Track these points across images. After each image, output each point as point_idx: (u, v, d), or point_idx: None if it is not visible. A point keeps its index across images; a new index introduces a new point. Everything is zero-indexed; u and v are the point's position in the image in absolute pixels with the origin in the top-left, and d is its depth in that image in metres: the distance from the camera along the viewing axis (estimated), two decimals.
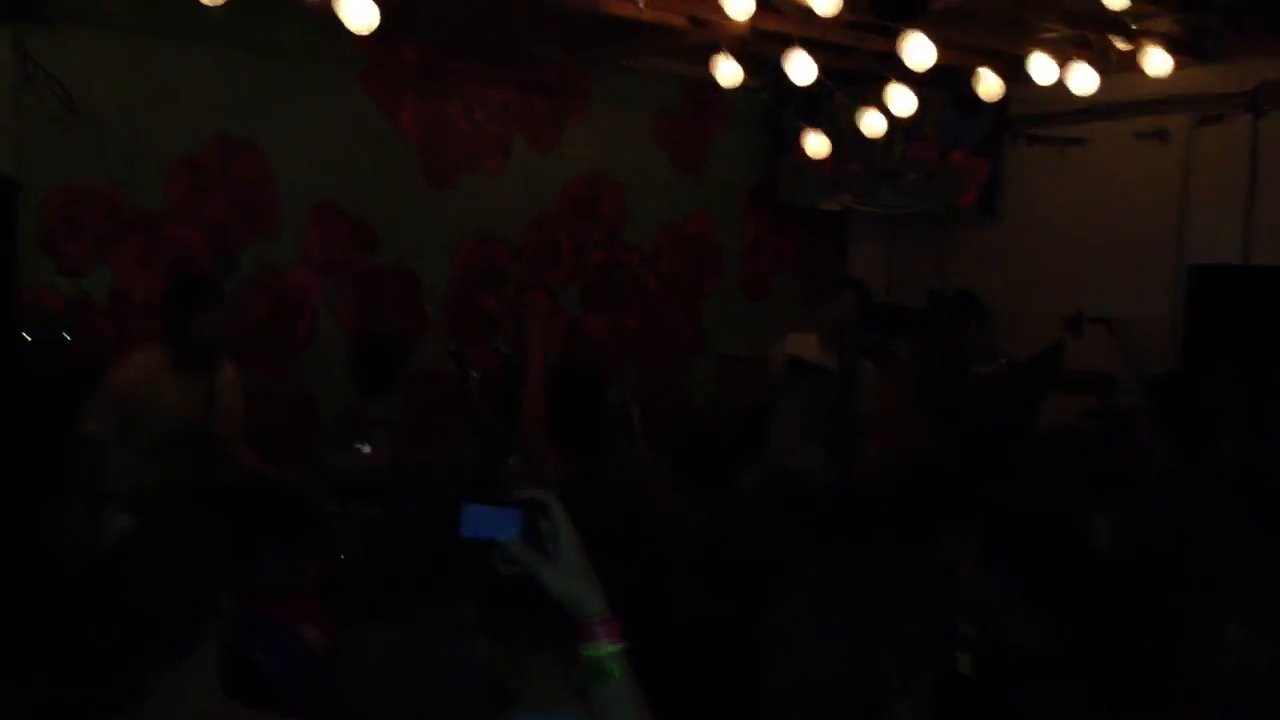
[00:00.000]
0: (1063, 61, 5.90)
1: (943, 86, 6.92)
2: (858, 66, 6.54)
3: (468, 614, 2.35)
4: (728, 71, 5.91)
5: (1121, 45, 5.99)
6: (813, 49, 5.61)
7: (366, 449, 4.69)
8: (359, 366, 5.20)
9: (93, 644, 2.10)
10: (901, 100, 6.20)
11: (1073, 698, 2.04)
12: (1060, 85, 5.94)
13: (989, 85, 6.26)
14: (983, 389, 6.37)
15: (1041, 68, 5.87)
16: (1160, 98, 6.53)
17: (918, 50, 5.37)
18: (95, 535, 3.90)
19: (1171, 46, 5.86)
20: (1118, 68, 6.07)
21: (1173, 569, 2.71)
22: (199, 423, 4.32)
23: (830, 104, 7.16)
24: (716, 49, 5.92)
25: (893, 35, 5.60)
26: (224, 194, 5.76)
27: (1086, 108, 6.46)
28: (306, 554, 3.11)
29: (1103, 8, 5.17)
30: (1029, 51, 5.94)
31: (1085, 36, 5.93)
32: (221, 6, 4.62)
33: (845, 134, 6.98)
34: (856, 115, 6.63)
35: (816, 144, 6.85)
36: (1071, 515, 2.73)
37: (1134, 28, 5.78)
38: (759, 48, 6.01)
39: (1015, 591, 2.37)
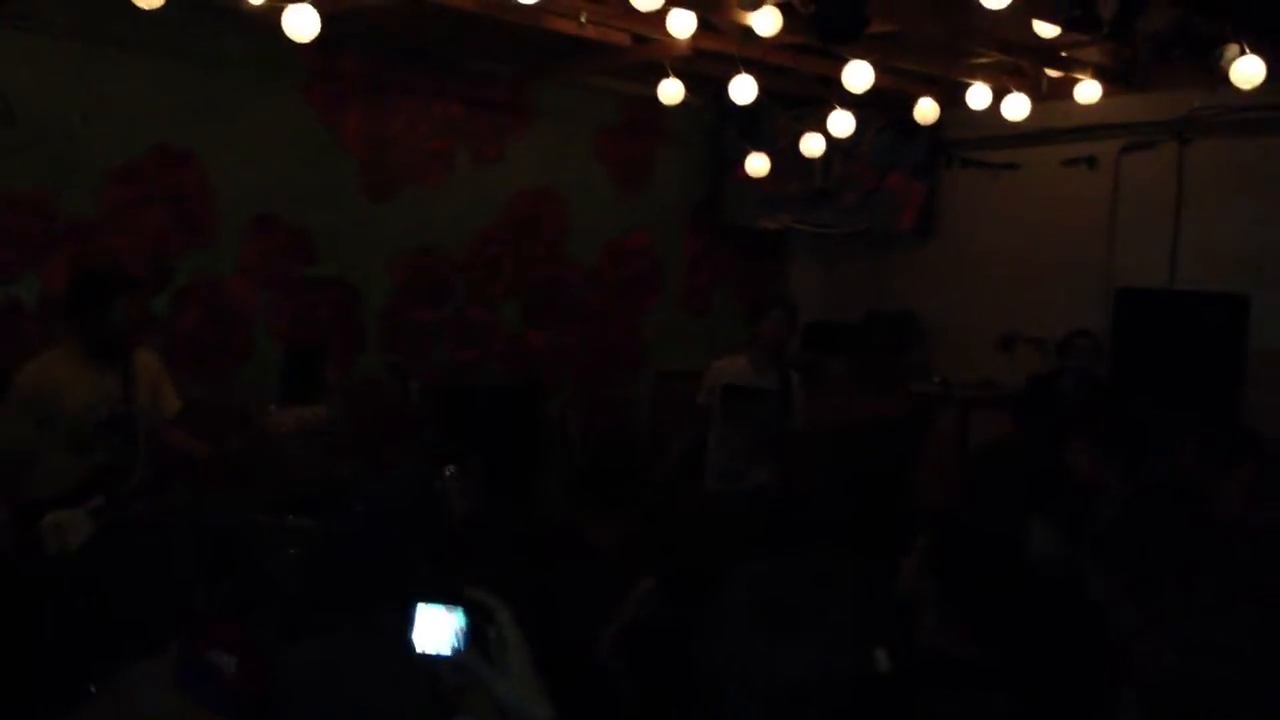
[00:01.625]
0: (997, 88, 6.04)
1: (880, 110, 7.05)
2: (798, 88, 6.65)
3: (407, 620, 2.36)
4: (670, 89, 5.98)
5: (1053, 73, 6.15)
6: (753, 69, 5.70)
7: (202, 450, 4.61)
8: (283, 375, 5.19)
9: (71, 641, 2.12)
10: (840, 122, 6.31)
11: (991, 705, 2.09)
12: (994, 111, 6.08)
13: (925, 110, 6.40)
14: (860, 437, 6.55)
15: (977, 95, 6.01)
16: (1090, 124, 6.70)
17: (856, 74, 5.48)
18: (31, 544, 3.85)
19: (1101, 75, 6.02)
20: (1049, 95, 6.23)
21: (1091, 581, 2.79)
22: (121, 411, 4.26)
23: (770, 124, 7.26)
24: (659, 67, 5.99)
25: (832, 58, 5.70)
26: (162, 203, 5.71)
27: (1019, 134, 6.61)
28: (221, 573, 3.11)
29: (1035, 37, 5.29)
30: (965, 78, 6.08)
31: (1018, 64, 6.08)
32: (162, 15, 4.59)
33: (785, 154, 7.09)
34: (796, 136, 6.74)
35: (757, 163, 6.94)
36: (998, 526, 2.80)
37: (1065, 56, 5.93)
38: (701, 66, 6.08)
39: (941, 598, 2.43)
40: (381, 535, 2.77)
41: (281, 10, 4.61)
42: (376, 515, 2.95)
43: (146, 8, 4.53)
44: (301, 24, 4.62)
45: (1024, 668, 2.38)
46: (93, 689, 2.08)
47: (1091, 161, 7.01)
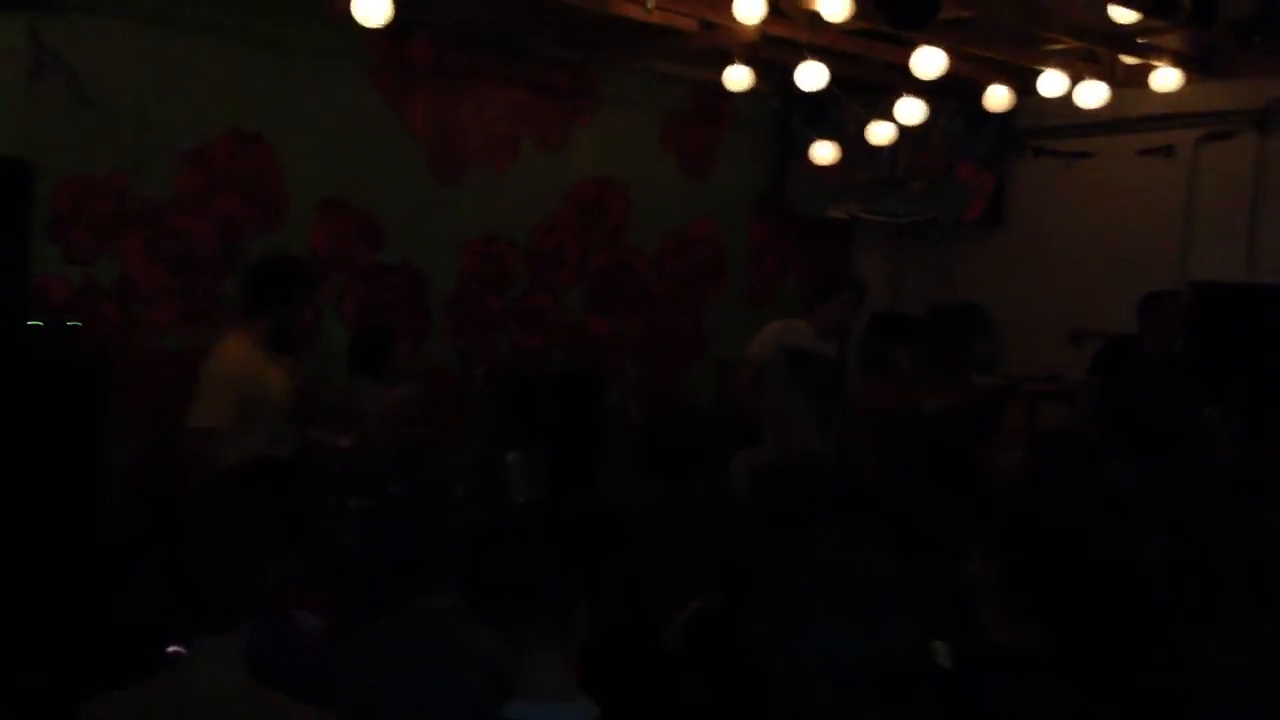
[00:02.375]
0: (1071, 75, 5.92)
1: (950, 97, 6.95)
2: (866, 75, 6.58)
3: (461, 603, 2.38)
4: (736, 76, 5.94)
5: (1129, 60, 6.02)
6: (822, 56, 5.64)
7: (344, 441, 4.68)
8: (351, 353, 5.26)
9: (142, 612, 2.17)
10: (909, 110, 6.23)
11: (1056, 696, 2.06)
12: (1068, 99, 5.96)
13: (997, 97, 6.30)
14: (929, 425, 6.43)
15: (1050, 82, 5.90)
16: (1167, 113, 6.55)
17: (927, 60, 5.40)
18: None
19: (1179, 62, 5.89)
20: (1125, 82, 6.10)
21: (1160, 575, 2.73)
22: (297, 402, 4.31)
23: (838, 112, 7.19)
24: (726, 54, 5.95)
25: (902, 44, 5.63)
26: (233, 187, 5.79)
27: (1093, 122, 6.48)
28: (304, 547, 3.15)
29: (1111, 22, 5.19)
30: (1037, 65, 5.97)
31: (1093, 51, 5.95)
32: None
33: (852, 142, 7.02)
34: (864, 123, 6.67)
35: (824, 152, 6.88)
36: (1066, 520, 2.75)
37: (1142, 42, 5.80)
38: (768, 53, 6.04)
39: (1005, 589, 2.39)
40: (428, 516, 2.78)
41: None
42: (422, 497, 2.96)
43: None
44: (371, 9, 4.66)
45: (1093, 660, 2.34)
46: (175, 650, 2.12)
47: (1168, 151, 6.86)
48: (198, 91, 5.63)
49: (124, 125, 5.44)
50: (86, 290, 5.38)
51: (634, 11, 5.44)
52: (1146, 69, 5.95)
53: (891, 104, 6.32)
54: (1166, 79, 5.88)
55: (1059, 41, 5.87)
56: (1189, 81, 5.95)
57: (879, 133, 6.65)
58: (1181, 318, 5.83)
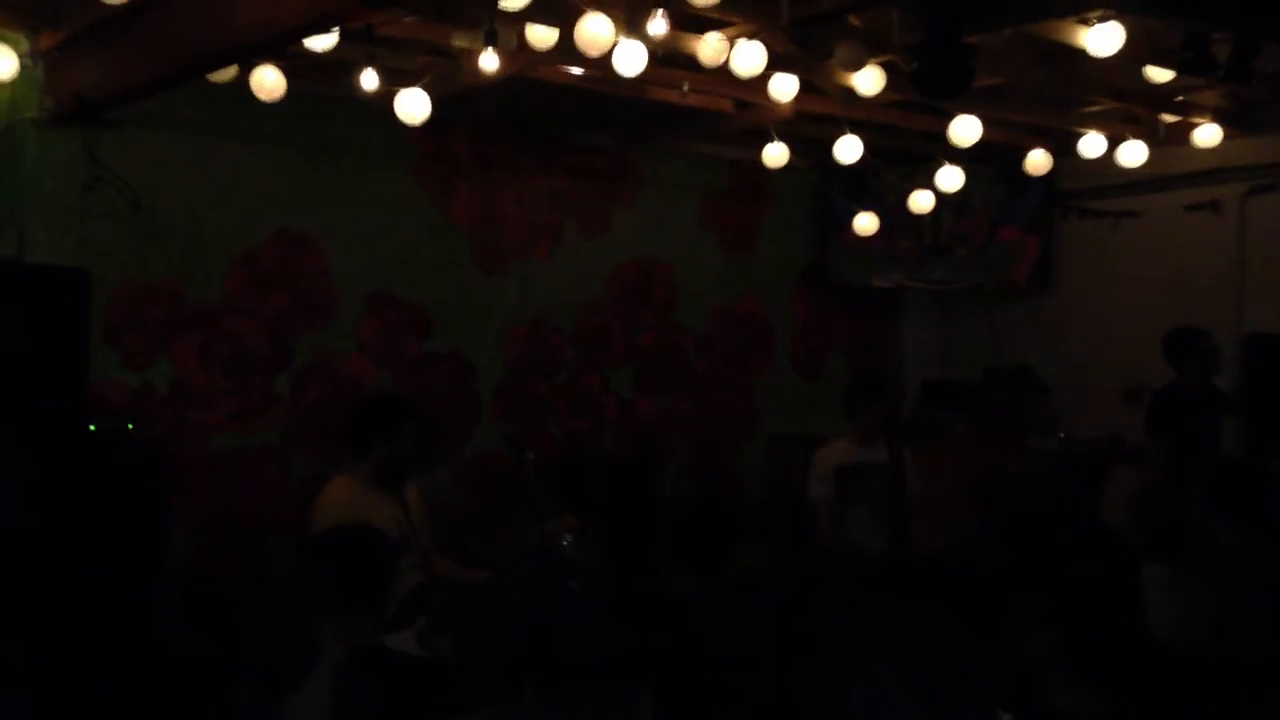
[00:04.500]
0: (1111, 136, 5.90)
1: (989, 163, 6.95)
2: (903, 145, 6.60)
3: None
4: (774, 153, 5.98)
5: (1169, 118, 5.99)
6: (858, 129, 5.67)
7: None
8: None
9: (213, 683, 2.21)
10: (949, 178, 6.24)
11: None
12: (1109, 159, 5.94)
13: (1037, 161, 6.29)
14: (1030, 477, 6.29)
15: (1090, 144, 5.89)
16: (1212, 168, 6.50)
17: (964, 128, 5.42)
18: None
19: (1219, 118, 5.85)
20: (1166, 140, 6.07)
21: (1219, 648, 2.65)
22: (410, 533, 4.34)
23: (877, 182, 7.21)
24: (763, 132, 6.00)
25: (937, 113, 5.65)
26: (282, 286, 5.89)
27: (1137, 180, 6.44)
28: None
29: (1148, 82, 5.17)
30: (1075, 127, 5.95)
31: (1132, 111, 5.94)
32: (279, 107, 4.78)
33: (893, 212, 7.03)
34: (904, 193, 6.68)
35: (865, 223, 6.89)
36: (1119, 589, 2.68)
37: (1181, 100, 5.78)
38: (804, 129, 6.08)
39: (1064, 660, 2.33)
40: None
41: (393, 96, 4.75)
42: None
43: (266, 100, 4.72)
44: (413, 107, 4.76)
45: None
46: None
47: (1215, 206, 6.79)
48: (245, 196, 5.77)
49: (176, 232, 5.58)
50: (143, 393, 5.47)
51: (671, 95, 5.51)
52: (1187, 126, 5.92)
53: (931, 172, 6.33)
54: (1208, 135, 5.84)
55: (1097, 103, 5.86)
56: (1231, 136, 5.90)
57: (920, 201, 6.65)
58: (1216, 353, 5.73)
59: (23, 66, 4.84)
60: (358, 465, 4.47)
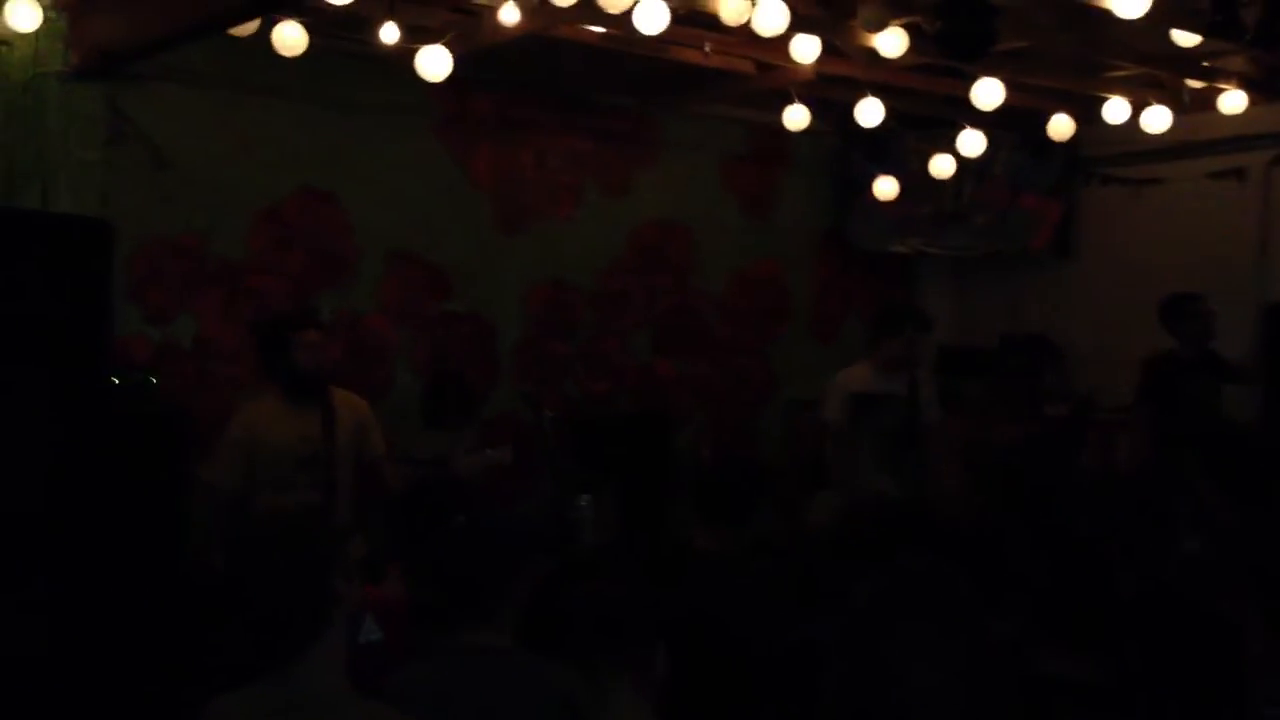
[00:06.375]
0: (1136, 101, 5.86)
1: (1012, 128, 6.91)
2: (925, 109, 6.57)
3: (544, 638, 2.39)
4: (795, 116, 5.96)
5: (1195, 84, 5.94)
6: (880, 92, 5.65)
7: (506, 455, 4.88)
8: (425, 402, 5.34)
9: (226, 638, 2.23)
10: (971, 142, 6.21)
11: None
12: (1133, 125, 5.89)
13: (1060, 126, 6.25)
14: (1018, 447, 6.31)
15: (1115, 109, 5.85)
16: (1236, 136, 6.44)
17: (986, 92, 5.39)
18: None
19: (1246, 84, 5.80)
20: (1191, 107, 6.02)
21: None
22: (321, 450, 4.46)
23: (898, 146, 7.18)
24: (784, 94, 5.98)
25: (960, 77, 5.62)
26: (304, 244, 5.92)
27: (1160, 147, 6.39)
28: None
29: (1174, 47, 5.13)
30: (1099, 92, 5.91)
31: (1157, 76, 5.89)
32: (302, 61, 4.79)
33: (914, 176, 6.99)
34: (925, 158, 6.65)
35: (885, 187, 6.87)
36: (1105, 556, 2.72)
37: (1207, 66, 5.73)
38: (826, 92, 6.06)
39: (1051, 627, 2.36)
40: (487, 551, 2.77)
41: (414, 53, 4.76)
42: (485, 531, 2.96)
43: (288, 55, 4.74)
44: (434, 65, 4.77)
45: (1155, 689, 2.30)
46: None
47: (1239, 173, 6.74)
48: (269, 152, 5.78)
49: (199, 187, 5.60)
50: (166, 349, 5.52)
51: (692, 56, 5.49)
52: (1213, 92, 5.87)
53: (952, 137, 6.30)
54: (1234, 102, 5.79)
55: (1122, 68, 5.81)
56: (1257, 103, 5.85)
57: (941, 166, 6.62)
58: (1212, 318, 5.73)
59: (46, 19, 4.84)
60: (269, 384, 4.61)
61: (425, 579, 3.09)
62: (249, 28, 4.77)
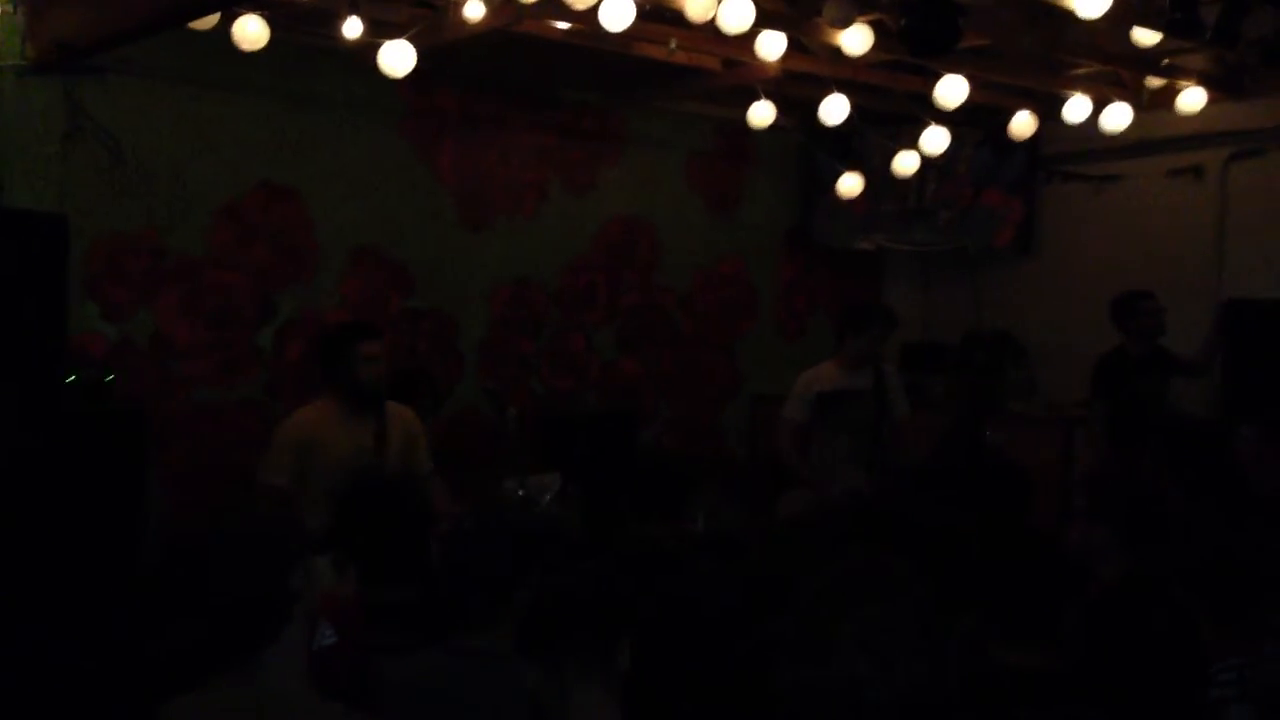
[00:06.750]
0: (1096, 100, 5.91)
1: (975, 125, 6.95)
2: (890, 106, 6.59)
3: (507, 641, 2.37)
4: (760, 113, 5.96)
5: (1155, 82, 6.00)
6: (845, 89, 5.66)
7: None
8: (393, 395, 5.29)
9: (184, 633, 2.20)
10: (934, 139, 6.23)
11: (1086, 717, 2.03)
12: (1093, 123, 5.94)
13: (1022, 124, 6.29)
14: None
15: (1075, 107, 5.89)
16: (1194, 133, 6.51)
17: (950, 89, 5.41)
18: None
19: (1204, 82, 5.86)
20: (1151, 104, 6.08)
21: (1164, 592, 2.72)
22: (372, 463, 4.44)
23: (863, 144, 7.21)
24: (749, 91, 5.98)
25: (924, 74, 5.64)
26: (265, 240, 5.86)
27: (1120, 145, 6.45)
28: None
29: (1134, 45, 5.18)
30: (1061, 90, 5.96)
31: (1118, 74, 5.94)
32: (263, 56, 4.74)
33: (878, 174, 7.02)
34: (889, 155, 6.68)
35: (850, 184, 6.88)
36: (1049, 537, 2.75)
37: (1167, 64, 5.78)
38: (791, 88, 6.06)
39: (1009, 611, 2.38)
40: (490, 555, 2.75)
41: (378, 48, 4.72)
42: (483, 531, 2.94)
43: (249, 49, 4.68)
44: (397, 60, 4.72)
45: (1109, 678, 2.32)
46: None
47: (1197, 171, 6.81)
48: (229, 148, 5.72)
49: (158, 183, 5.53)
50: (123, 346, 5.45)
51: (657, 53, 5.48)
52: (1172, 90, 5.93)
53: (916, 134, 6.32)
54: (1192, 100, 5.85)
55: (1083, 66, 5.86)
56: (1215, 101, 5.91)
57: (904, 163, 6.65)
58: (1160, 315, 5.81)
59: (3, 12, 4.78)
60: (328, 392, 4.61)
61: (425, 580, 3.05)
62: (209, 21, 4.72)
